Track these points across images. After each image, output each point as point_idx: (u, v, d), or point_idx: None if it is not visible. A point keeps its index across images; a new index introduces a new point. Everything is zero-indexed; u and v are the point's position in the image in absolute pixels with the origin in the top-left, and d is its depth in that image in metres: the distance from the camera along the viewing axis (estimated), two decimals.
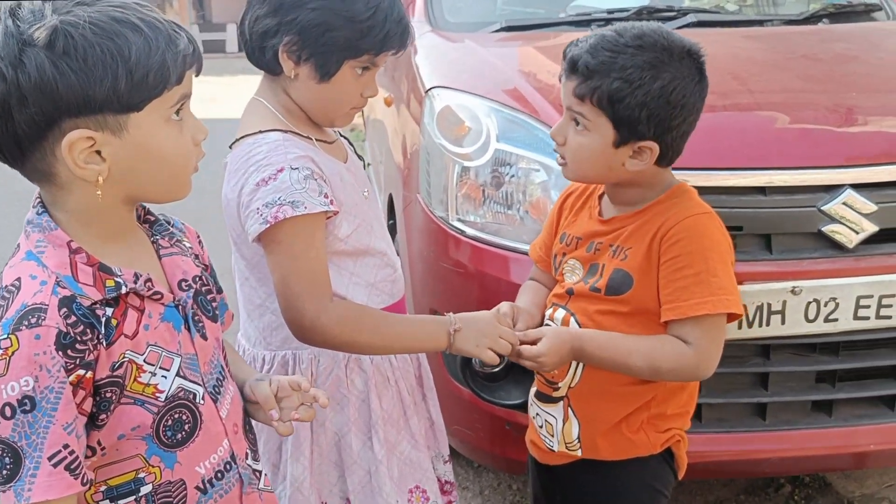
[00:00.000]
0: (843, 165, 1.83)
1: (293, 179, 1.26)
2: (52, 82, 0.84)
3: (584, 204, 1.49)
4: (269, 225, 1.25)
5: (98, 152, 0.90)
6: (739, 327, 1.76)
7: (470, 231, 1.92)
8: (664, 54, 1.26)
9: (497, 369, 1.41)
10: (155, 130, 0.93)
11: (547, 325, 1.46)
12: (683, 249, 1.29)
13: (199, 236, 1.16)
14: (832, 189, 1.81)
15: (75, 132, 0.87)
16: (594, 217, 1.43)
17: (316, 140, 1.37)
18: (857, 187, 1.80)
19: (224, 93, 10.29)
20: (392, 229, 2.57)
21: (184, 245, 1.09)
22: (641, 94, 1.24)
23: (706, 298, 1.28)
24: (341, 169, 1.39)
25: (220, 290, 1.15)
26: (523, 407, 1.85)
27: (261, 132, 1.32)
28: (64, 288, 0.89)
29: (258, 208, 1.26)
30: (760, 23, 2.59)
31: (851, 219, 1.80)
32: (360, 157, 1.53)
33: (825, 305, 1.79)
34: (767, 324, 1.79)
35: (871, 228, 1.79)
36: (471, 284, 1.92)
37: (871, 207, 1.79)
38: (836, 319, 1.80)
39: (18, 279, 0.90)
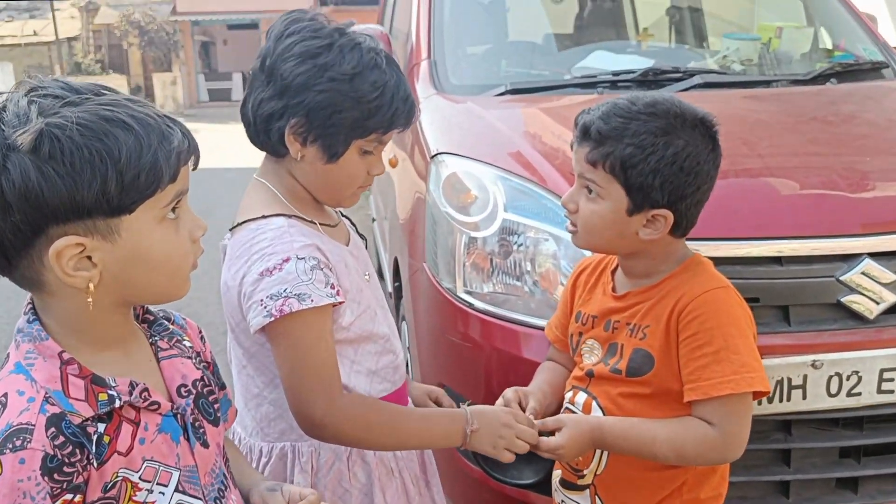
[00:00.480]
0: (860, 234, 1.78)
1: (299, 270, 1.21)
2: (36, 188, 0.80)
3: (598, 280, 1.45)
4: (273, 319, 1.20)
5: (88, 257, 0.85)
6: (759, 403, 1.70)
7: (478, 304, 1.87)
8: (677, 121, 1.25)
9: None
10: (148, 232, 0.88)
11: (567, 408, 1.42)
12: (701, 326, 1.26)
13: (200, 332, 1.11)
14: (850, 258, 1.76)
15: (63, 240, 0.83)
16: (608, 293, 1.40)
17: (320, 224, 1.33)
18: (876, 256, 1.76)
19: (228, 141, 10.36)
20: (398, 292, 2.53)
21: (184, 345, 1.04)
22: (654, 161, 1.23)
23: (728, 377, 1.24)
24: (345, 253, 1.35)
25: (222, 387, 1.10)
26: (536, 486, 1.79)
27: (264, 217, 1.28)
28: (53, 405, 0.84)
29: (262, 300, 1.21)
30: (767, 83, 2.57)
31: (871, 289, 1.75)
32: (362, 237, 1.49)
33: (847, 379, 1.74)
34: (788, 399, 1.73)
35: (891, 298, 1.75)
36: (479, 359, 1.86)
37: (891, 277, 1.74)
38: (859, 393, 1.74)
39: (5, 395, 0.85)
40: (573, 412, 1.41)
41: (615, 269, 1.42)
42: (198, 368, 1.02)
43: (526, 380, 1.50)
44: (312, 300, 1.20)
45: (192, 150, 0.91)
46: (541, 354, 1.59)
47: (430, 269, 2.03)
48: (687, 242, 1.38)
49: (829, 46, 2.98)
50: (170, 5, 25.42)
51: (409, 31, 2.95)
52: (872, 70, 2.70)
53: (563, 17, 3.53)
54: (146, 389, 0.92)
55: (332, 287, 1.24)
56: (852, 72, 2.63)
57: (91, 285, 0.86)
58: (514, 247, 1.89)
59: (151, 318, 1.02)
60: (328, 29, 1.27)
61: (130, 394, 0.90)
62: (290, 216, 1.29)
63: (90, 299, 0.87)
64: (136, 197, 0.85)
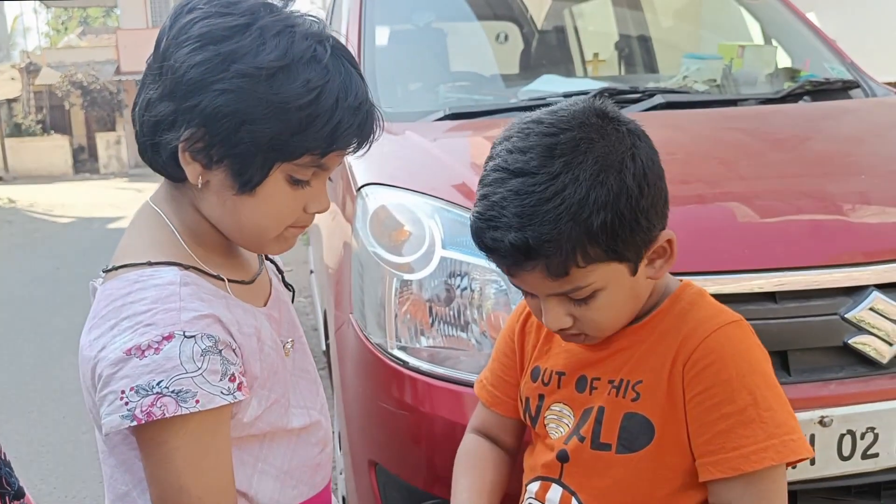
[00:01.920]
0: (864, 263, 1.51)
1: (185, 355, 0.85)
2: None
3: None
4: (136, 423, 0.84)
5: None
6: None
7: (414, 362, 1.53)
8: (607, 132, 0.93)
9: None
10: None
11: None
12: (717, 377, 0.95)
13: None
14: (855, 291, 1.49)
15: None
16: None
17: (229, 282, 0.97)
18: (885, 288, 1.49)
19: None
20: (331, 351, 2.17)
21: None
22: (625, 204, 0.91)
23: (763, 443, 0.94)
24: (261, 320, 0.99)
25: (17, 496, 0.75)
26: None
27: (150, 264, 0.91)
28: None
29: (123, 391, 0.84)
30: (734, 102, 2.33)
31: (882, 327, 1.48)
32: (288, 287, 1.14)
33: (862, 438, 1.45)
34: (793, 466, 1.41)
35: None
36: (418, 430, 1.51)
37: None
38: (875, 455, 1.46)
39: None
40: None
41: None
42: None
43: None
44: (199, 401, 0.85)
45: None
46: None
47: (356, 323, 1.68)
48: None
49: (791, 66, 2.77)
50: (114, 65, 25.06)
51: None
52: (842, 90, 2.49)
53: (508, 49, 3.30)
54: None
55: (233, 379, 0.89)
56: (823, 91, 2.40)
57: None
58: (457, 291, 1.57)
59: None
60: (249, 4, 0.90)
61: None
62: (186, 267, 0.93)
63: None
64: None
